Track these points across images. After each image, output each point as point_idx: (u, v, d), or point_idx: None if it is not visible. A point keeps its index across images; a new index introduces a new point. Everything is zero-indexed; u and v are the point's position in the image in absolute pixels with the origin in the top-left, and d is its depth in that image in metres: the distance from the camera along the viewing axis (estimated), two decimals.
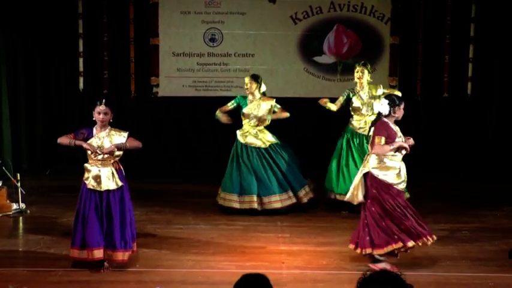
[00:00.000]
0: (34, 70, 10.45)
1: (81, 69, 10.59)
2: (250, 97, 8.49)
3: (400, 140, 6.45)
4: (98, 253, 6.43)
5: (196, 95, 10.72)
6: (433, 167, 9.96)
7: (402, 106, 6.47)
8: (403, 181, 6.53)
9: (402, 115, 6.49)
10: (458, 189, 9.79)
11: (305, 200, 8.52)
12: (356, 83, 8.52)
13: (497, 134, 10.53)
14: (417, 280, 6.15)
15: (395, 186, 6.49)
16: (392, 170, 6.48)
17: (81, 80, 10.63)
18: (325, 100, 8.59)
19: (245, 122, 8.54)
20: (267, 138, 8.51)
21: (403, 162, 6.54)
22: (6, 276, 6.42)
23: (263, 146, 8.48)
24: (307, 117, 10.71)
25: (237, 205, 8.38)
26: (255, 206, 8.34)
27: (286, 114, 8.56)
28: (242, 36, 10.67)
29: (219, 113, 8.58)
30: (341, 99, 8.57)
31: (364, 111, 8.42)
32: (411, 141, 6.48)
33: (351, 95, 8.51)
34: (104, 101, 6.47)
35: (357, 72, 8.48)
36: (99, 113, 6.47)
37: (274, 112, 8.51)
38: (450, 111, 10.65)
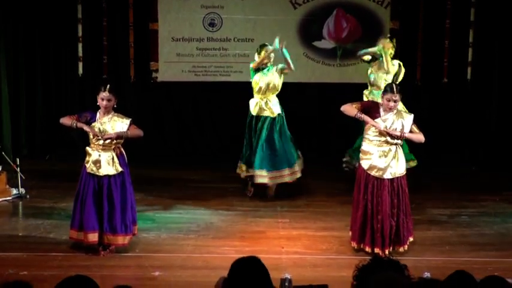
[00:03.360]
0: (34, 55, 10.39)
1: (80, 54, 10.53)
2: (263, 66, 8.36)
3: (380, 124, 6.42)
4: (92, 237, 6.49)
5: (195, 80, 10.67)
6: (433, 153, 9.93)
7: (386, 96, 6.46)
8: (379, 169, 6.49)
9: (386, 106, 6.46)
10: (458, 174, 9.78)
11: (287, 179, 8.41)
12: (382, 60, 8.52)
13: (498, 119, 10.49)
14: (415, 265, 6.12)
15: (370, 173, 6.51)
16: (369, 155, 6.51)
17: (81, 65, 10.57)
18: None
19: (256, 91, 8.36)
20: (275, 108, 8.40)
21: (390, 150, 6.48)
22: (6, 260, 6.43)
23: (272, 116, 8.38)
24: (307, 103, 10.68)
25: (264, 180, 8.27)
26: (266, 180, 8.27)
27: (290, 66, 8.40)
28: (241, 21, 10.61)
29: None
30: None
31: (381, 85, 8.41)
32: (394, 131, 6.42)
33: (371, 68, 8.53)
34: (108, 87, 6.46)
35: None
36: (102, 99, 6.47)
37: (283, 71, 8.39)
38: (450, 96, 10.61)
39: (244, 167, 8.46)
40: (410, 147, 8.25)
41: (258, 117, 8.37)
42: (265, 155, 8.26)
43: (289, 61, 8.32)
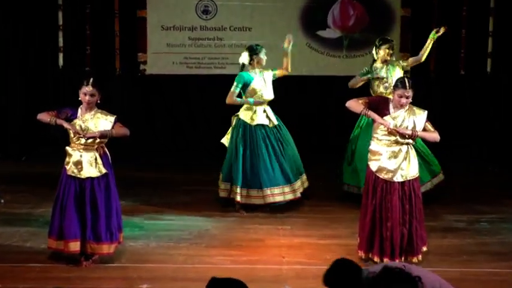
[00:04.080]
0: (7, 44, 10.38)
1: (60, 44, 10.53)
2: (256, 71, 8.26)
3: (389, 121, 6.39)
4: (74, 246, 6.46)
5: (187, 72, 10.68)
6: (448, 151, 9.92)
7: (397, 92, 6.43)
8: (388, 171, 6.48)
9: (398, 103, 6.43)
10: (476, 175, 9.77)
11: (298, 193, 8.36)
12: (374, 60, 8.43)
13: None
14: None
15: (378, 175, 6.49)
16: (378, 156, 6.50)
17: (61, 56, 10.56)
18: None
19: (256, 98, 8.21)
20: (273, 117, 8.34)
21: (401, 150, 6.47)
22: None
23: (270, 125, 8.31)
24: (309, 98, 10.68)
25: (240, 198, 8.20)
26: (256, 201, 8.21)
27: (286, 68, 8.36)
28: (238, 8, 10.61)
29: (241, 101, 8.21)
30: (364, 78, 8.42)
31: (381, 88, 8.33)
32: (405, 130, 6.39)
33: (371, 75, 8.38)
34: (91, 81, 6.45)
35: (389, 48, 8.37)
36: (85, 94, 6.46)
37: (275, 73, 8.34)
38: (467, 90, 10.61)
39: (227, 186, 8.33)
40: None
41: (258, 127, 8.27)
42: (277, 169, 8.18)
43: (290, 62, 8.26)
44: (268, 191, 8.11)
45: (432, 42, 8.43)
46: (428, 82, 10.40)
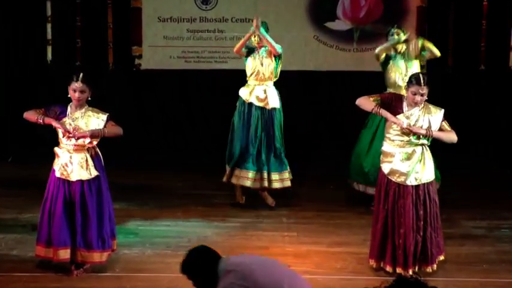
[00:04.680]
0: None
1: (49, 36, 10.55)
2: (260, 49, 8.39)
3: (402, 120, 6.40)
4: (64, 254, 6.48)
5: (185, 67, 10.68)
6: (467, 151, 9.94)
7: (411, 89, 6.43)
8: (401, 174, 6.49)
9: (412, 101, 6.44)
10: (497, 177, 9.77)
11: (277, 185, 8.45)
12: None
13: None
14: (448, 287, 6.16)
15: (391, 178, 6.51)
16: (390, 157, 6.52)
17: (49, 49, 10.58)
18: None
19: (251, 75, 8.36)
20: (273, 100, 8.40)
21: (415, 151, 6.48)
22: None
23: (266, 107, 8.37)
24: (318, 94, 10.69)
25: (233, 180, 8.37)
26: (248, 183, 8.33)
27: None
28: None
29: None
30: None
31: (400, 81, 8.33)
32: (419, 129, 6.40)
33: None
34: (81, 76, 6.46)
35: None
36: (74, 91, 6.47)
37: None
38: (488, 86, 10.61)
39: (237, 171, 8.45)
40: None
41: (251, 106, 8.36)
42: (252, 153, 8.31)
43: (270, 41, 8.30)
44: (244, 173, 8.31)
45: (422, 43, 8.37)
46: (445, 78, 10.40)
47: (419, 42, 8.35)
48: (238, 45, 8.38)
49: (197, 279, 4.57)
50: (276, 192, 8.52)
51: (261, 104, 8.35)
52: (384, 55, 8.40)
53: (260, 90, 8.37)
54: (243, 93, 8.44)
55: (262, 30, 8.30)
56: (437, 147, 7.04)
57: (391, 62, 8.36)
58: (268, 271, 4.61)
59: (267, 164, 8.36)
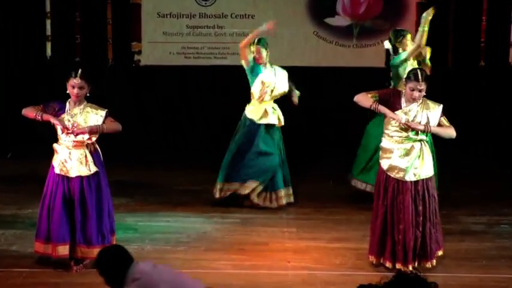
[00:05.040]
0: None
1: (48, 32, 10.54)
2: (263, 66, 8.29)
3: (400, 116, 6.40)
4: (63, 250, 6.48)
5: (185, 63, 10.68)
6: (468, 148, 9.94)
7: (409, 85, 6.44)
8: (400, 169, 6.49)
9: (410, 96, 6.43)
10: (497, 173, 9.76)
11: (284, 201, 8.42)
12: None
13: None
14: (446, 283, 6.16)
15: (390, 174, 6.51)
16: (389, 153, 6.52)
17: (49, 45, 10.57)
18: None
19: (260, 94, 8.20)
20: (281, 117, 8.38)
21: (414, 147, 6.48)
22: None
23: (278, 125, 8.35)
24: (317, 90, 10.68)
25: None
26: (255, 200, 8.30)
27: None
28: None
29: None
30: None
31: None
32: (418, 125, 6.39)
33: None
34: (79, 72, 6.46)
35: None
36: (73, 87, 6.46)
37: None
38: (488, 83, 10.60)
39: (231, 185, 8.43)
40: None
41: (262, 125, 8.27)
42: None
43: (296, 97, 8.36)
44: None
45: (427, 24, 8.29)
46: (445, 74, 10.39)
47: (427, 51, 8.41)
48: (245, 41, 8.08)
49: (106, 277, 4.62)
50: None
51: (273, 122, 8.28)
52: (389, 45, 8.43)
53: (271, 109, 8.27)
54: (253, 115, 8.25)
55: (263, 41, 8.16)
56: (436, 143, 7.07)
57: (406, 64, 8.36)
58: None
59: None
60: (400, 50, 8.34)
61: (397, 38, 8.39)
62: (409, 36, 8.37)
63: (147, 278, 4.58)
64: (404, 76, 8.25)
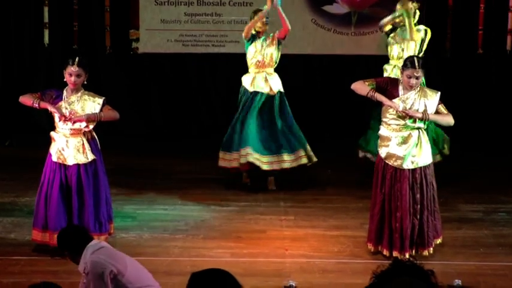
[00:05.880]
0: None
1: (46, 20, 10.51)
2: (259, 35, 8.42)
3: (398, 104, 6.39)
4: None
5: (183, 51, 10.65)
6: (465, 136, 9.92)
7: (406, 72, 6.43)
8: (397, 157, 6.48)
9: (407, 84, 6.43)
10: (495, 162, 9.76)
11: (305, 160, 8.46)
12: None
13: None
14: (444, 271, 6.17)
15: (388, 162, 6.51)
16: (386, 141, 6.52)
17: (47, 33, 10.54)
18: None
19: (252, 64, 8.41)
20: (276, 85, 8.45)
21: (411, 135, 6.48)
22: None
23: (271, 93, 8.41)
24: (316, 78, 10.67)
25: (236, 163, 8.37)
26: (258, 163, 8.32)
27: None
28: None
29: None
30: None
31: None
32: (415, 113, 6.39)
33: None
34: (76, 60, 6.46)
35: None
36: (70, 75, 6.46)
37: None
38: (485, 70, 10.59)
39: (229, 155, 8.47)
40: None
41: (255, 94, 8.38)
42: (263, 137, 8.31)
43: (285, 18, 8.33)
44: (246, 151, 8.28)
45: (408, 18, 8.36)
46: (443, 61, 10.37)
47: (422, 33, 8.41)
48: (247, 28, 8.36)
49: (69, 250, 5.08)
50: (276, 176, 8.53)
51: (265, 91, 8.36)
52: (388, 27, 8.45)
53: (261, 78, 8.38)
54: (246, 82, 8.46)
55: (279, 1, 8.30)
56: None
57: (395, 32, 8.43)
58: (139, 269, 5.11)
59: (280, 146, 8.40)
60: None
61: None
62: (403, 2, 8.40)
63: (108, 248, 5.05)
64: (392, 48, 8.37)
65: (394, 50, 8.54)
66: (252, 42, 8.38)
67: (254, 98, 8.40)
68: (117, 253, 5.14)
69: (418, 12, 8.52)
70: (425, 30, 8.57)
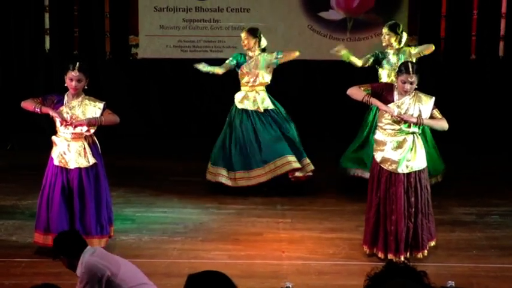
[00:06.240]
0: None
1: (47, 26, 10.52)
2: (249, 53, 8.45)
3: (393, 109, 6.42)
4: None
5: (182, 56, 10.66)
6: (459, 139, 9.95)
7: (400, 77, 6.46)
8: (392, 162, 6.51)
9: (402, 89, 6.46)
10: (488, 164, 9.78)
11: (300, 174, 8.47)
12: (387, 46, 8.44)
13: None
14: (437, 272, 6.20)
15: (383, 166, 6.54)
16: (382, 146, 6.55)
17: (47, 38, 10.56)
18: (344, 52, 8.44)
19: (243, 83, 8.48)
20: (265, 103, 8.49)
21: (406, 140, 6.51)
22: None
23: (259, 110, 8.47)
24: (312, 83, 10.69)
25: (227, 181, 8.39)
26: (243, 182, 8.36)
27: (295, 54, 8.53)
28: None
29: (209, 67, 8.51)
30: (370, 59, 8.43)
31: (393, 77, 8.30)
32: (410, 117, 6.42)
33: (380, 56, 8.41)
34: (77, 65, 6.47)
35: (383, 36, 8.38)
36: (71, 80, 6.47)
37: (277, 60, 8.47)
38: (478, 75, 10.61)
39: (220, 170, 8.52)
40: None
41: (244, 111, 8.46)
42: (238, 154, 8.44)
43: (289, 58, 8.52)
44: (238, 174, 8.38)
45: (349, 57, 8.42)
46: (437, 66, 10.40)
47: (416, 51, 8.40)
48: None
49: (66, 256, 5.20)
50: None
51: (253, 108, 8.48)
52: (371, 60, 8.42)
53: (251, 96, 8.47)
54: (236, 99, 8.58)
55: (276, 62, 8.46)
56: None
57: (383, 62, 8.37)
58: (132, 269, 5.21)
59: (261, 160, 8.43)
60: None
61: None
62: (385, 33, 8.36)
63: (102, 250, 5.26)
64: (382, 76, 8.37)
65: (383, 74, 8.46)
66: (242, 63, 8.46)
67: (239, 115, 8.51)
68: (110, 255, 5.28)
69: (405, 35, 8.45)
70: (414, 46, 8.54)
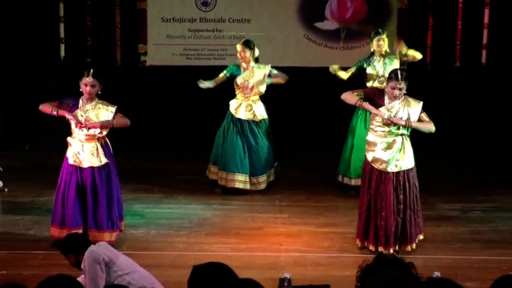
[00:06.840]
0: (9, 36, 10.38)
1: (62, 35, 10.52)
2: (244, 65, 8.48)
3: (384, 112, 6.44)
4: None
5: (187, 64, 10.66)
6: (444, 143, 9.95)
7: (390, 84, 6.48)
8: (382, 161, 6.52)
9: (391, 95, 6.48)
10: (471, 166, 9.78)
11: (263, 186, 8.49)
12: (373, 52, 8.42)
13: None
14: (424, 264, 6.22)
15: (373, 165, 6.54)
16: (373, 146, 6.56)
17: (62, 47, 10.56)
18: (335, 67, 8.51)
19: (238, 92, 8.53)
20: (260, 112, 8.50)
21: (395, 141, 6.52)
22: None
23: (255, 119, 8.47)
24: (308, 89, 10.69)
25: (221, 182, 8.42)
26: (235, 184, 8.37)
27: (285, 79, 8.54)
28: (237, 0, 10.60)
29: (206, 82, 8.57)
30: (353, 69, 8.46)
31: (376, 83, 8.28)
32: (399, 120, 6.44)
33: (365, 64, 8.40)
34: (91, 72, 6.48)
35: (378, 41, 8.35)
36: (86, 85, 6.49)
37: (270, 75, 8.49)
38: (463, 81, 10.61)
39: (215, 169, 8.55)
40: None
41: (239, 119, 8.47)
42: (246, 159, 8.37)
43: (279, 80, 8.55)
44: (233, 176, 8.33)
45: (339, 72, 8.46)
46: (424, 73, 10.40)
47: (404, 50, 8.39)
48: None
49: (71, 251, 5.33)
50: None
51: (249, 117, 8.45)
52: (353, 70, 8.42)
53: (246, 105, 8.47)
54: (232, 107, 8.57)
55: (268, 80, 8.47)
56: (415, 137, 7.07)
57: (367, 69, 8.37)
58: (129, 260, 5.36)
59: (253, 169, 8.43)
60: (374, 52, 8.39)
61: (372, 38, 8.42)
62: (375, 40, 8.35)
63: (103, 243, 5.42)
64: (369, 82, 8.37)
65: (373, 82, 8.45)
66: (237, 75, 8.49)
67: (236, 123, 8.52)
68: (111, 248, 5.43)
69: (385, 40, 8.44)
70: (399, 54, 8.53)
